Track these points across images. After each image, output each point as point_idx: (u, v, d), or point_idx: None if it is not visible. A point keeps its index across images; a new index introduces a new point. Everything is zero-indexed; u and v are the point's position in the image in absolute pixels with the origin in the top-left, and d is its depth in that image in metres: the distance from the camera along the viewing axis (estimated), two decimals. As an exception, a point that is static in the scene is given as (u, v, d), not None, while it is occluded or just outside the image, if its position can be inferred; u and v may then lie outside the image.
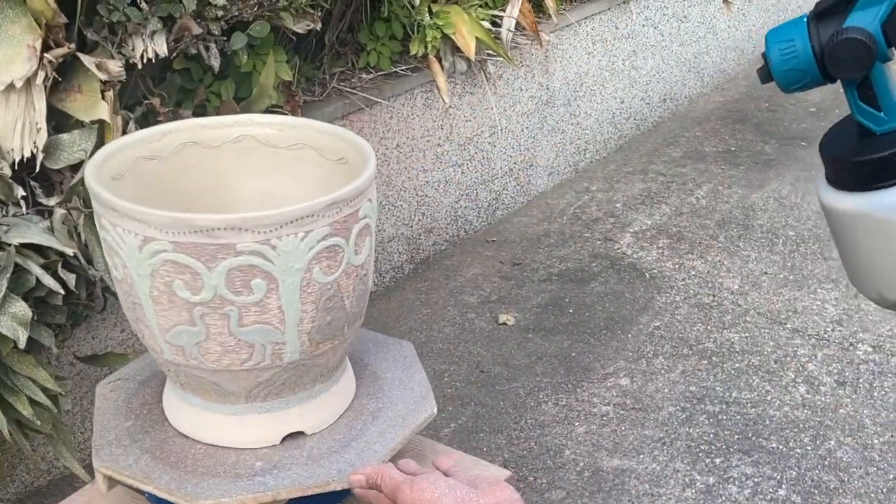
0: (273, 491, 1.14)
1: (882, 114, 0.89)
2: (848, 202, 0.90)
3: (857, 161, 0.88)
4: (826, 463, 2.28)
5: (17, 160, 1.77)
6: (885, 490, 2.20)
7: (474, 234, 3.37)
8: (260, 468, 1.19)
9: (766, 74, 0.92)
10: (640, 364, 2.66)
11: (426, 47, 2.90)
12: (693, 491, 2.22)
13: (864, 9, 0.86)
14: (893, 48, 0.87)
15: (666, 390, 2.55)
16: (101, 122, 1.87)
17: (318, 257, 1.11)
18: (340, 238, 1.13)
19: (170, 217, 1.05)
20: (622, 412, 2.48)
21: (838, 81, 0.91)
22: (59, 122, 1.89)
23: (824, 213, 0.94)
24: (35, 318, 1.75)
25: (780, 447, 2.34)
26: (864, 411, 2.45)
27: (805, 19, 0.90)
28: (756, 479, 2.24)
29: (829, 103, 4.43)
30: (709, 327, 2.81)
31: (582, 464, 2.31)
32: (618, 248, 3.28)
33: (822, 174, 0.94)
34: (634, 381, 2.59)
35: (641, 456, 2.33)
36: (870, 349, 2.68)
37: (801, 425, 2.40)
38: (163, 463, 1.19)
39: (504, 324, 2.87)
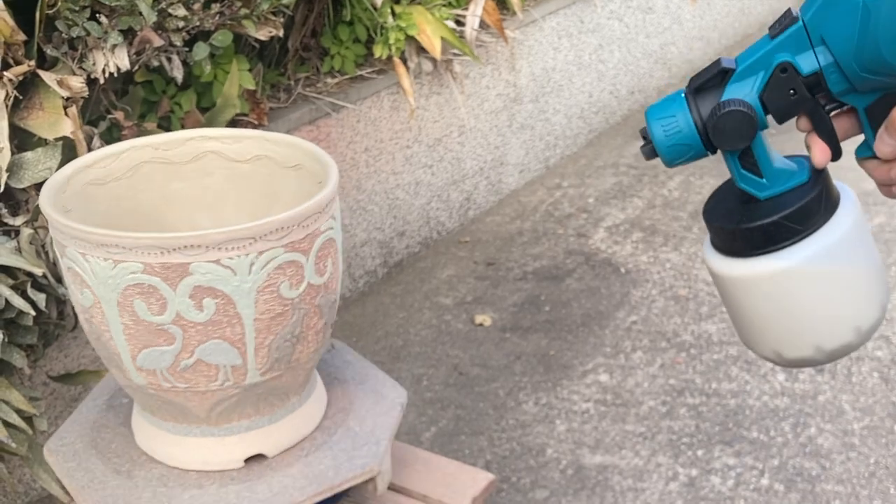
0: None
1: (764, 180, 0.91)
2: (735, 268, 0.92)
3: (742, 228, 0.90)
4: (807, 450, 2.29)
5: (-20, 181, 1.75)
6: (866, 475, 2.20)
7: (447, 236, 3.36)
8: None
9: (650, 151, 0.93)
10: (618, 359, 2.66)
11: (390, 49, 2.88)
12: (676, 484, 2.21)
13: (740, 80, 0.88)
14: (770, 116, 0.89)
15: (646, 384, 2.55)
16: (65, 139, 1.85)
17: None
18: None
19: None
20: (603, 408, 2.47)
21: (718, 152, 0.92)
22: (21, 140, 1.86)
23: (712, 277, 0.96)
24: (6, 339, 1.73)
25: (762, 437, 2.34)
26: (843, 397, 2.45)
27: (682, 94, 0.92)
28: (738, 470, 2.24)
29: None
30: (686, 319, 2.81)
31: (564, 462, 2.31)
32: (592, 244, 3.27)
33: (708, 239, 0.96)
34: (614, 377, 2.59)
35: (623, 451, 2.32)
36: (846, 334, 2.69)
37: (781, 414, 2.41)
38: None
39: (481, 324, 2.86)
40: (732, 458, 2.28)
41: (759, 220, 0.90)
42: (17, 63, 1.77)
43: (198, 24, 2.06)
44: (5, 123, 1.73)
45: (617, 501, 2.19)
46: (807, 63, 0.86)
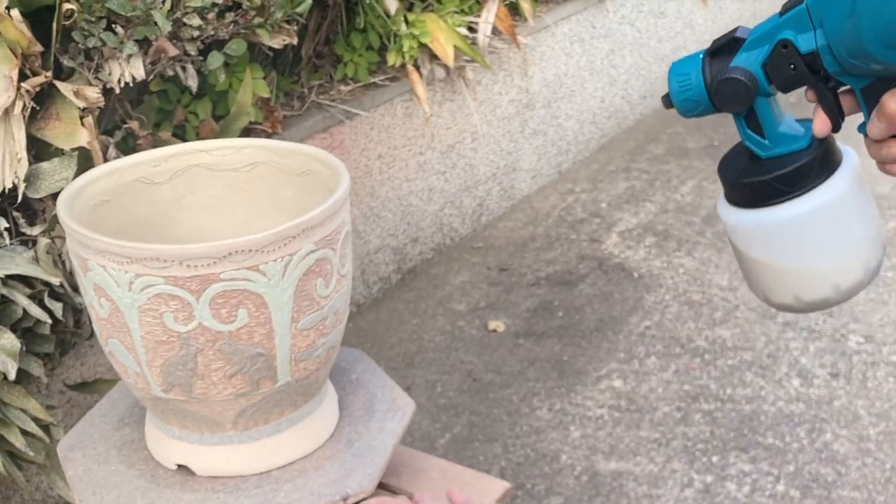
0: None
1: (766, 141, 1.00)
2: (737, 217, 1.02)
3: (743, 182, 1.01)
4: (823, 456, 2.28)
5: (-2, 192, 1.76)
6: (882, 481, 2.20)
7: (460, 242, 3.37)
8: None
9: (668, 101, 1.04)
10: (632, 365, 2.66)
11: (403, 57, 2.89)
12: (692, 490, 2.21)
13: (748, 50, 0.98)
14: (773, 85, 0.97)
15: (660, 390, 2.55)
16: (81, 149, 1.86)
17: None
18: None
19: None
20: (617, 414, 2.47)
21: None
22: (38, 150, 1.87)
23: (724, 225, 1.06)
24: (24, 348, 1.74)
25: (777, 442, 2.34)
26: (859, 402, 2.45)
27: (701, 55, 1.01)
28: (754, 476, 2.24)
29: (808, 93, 4.44)
30: (700, 325, 2.81)
31: (579, 468, 2.31)
32: (604, 249, 3.27)
33: (721, 191, 1.06)
34: (628, 383, 2.59)
35: (638, 457, 2.32)
36: (861, 339, 2.69)
37: (797, 419, 2.41)
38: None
39: (494, 330, 2.87)
40: (748, 465, 2.27)
41: (757, 176, 0.99)
42: (35, 74, 1.78)
43: (212, 33, 2.07)
44: (23, 134, 1.74)
45: (632, 508, 2.19)
46: (805, 42, 0.93)
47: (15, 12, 1.71)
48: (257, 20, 2.16)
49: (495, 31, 3.26)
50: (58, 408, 2.14)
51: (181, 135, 2.32)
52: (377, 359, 2.69)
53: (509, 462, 2.34)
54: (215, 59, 2.14)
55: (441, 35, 2.92)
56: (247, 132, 2.42)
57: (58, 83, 1.82)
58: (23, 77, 1.76)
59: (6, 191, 1.77)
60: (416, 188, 3.13)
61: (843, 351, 2.64)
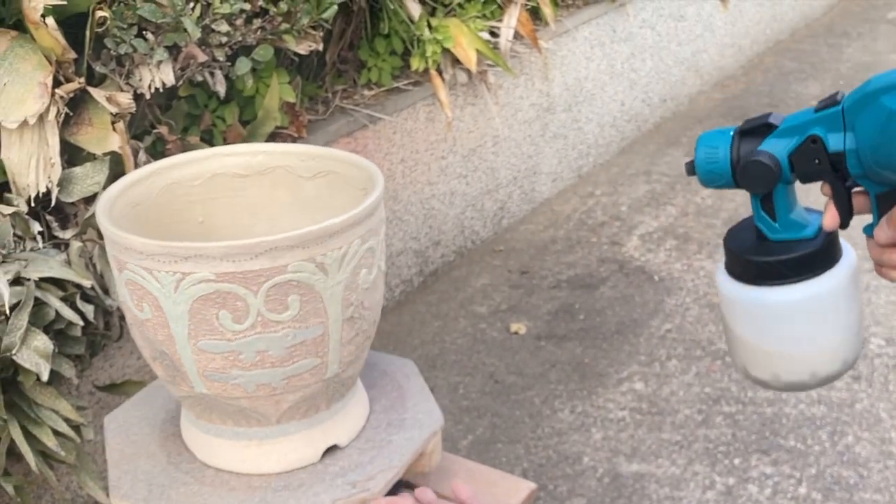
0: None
1: (777, 224, 1.04)
2: (735, 289, 1.06)
3: (747, 259, 1.04)
4: (844, 459, 2.30)
5: (32, 196, 1.79)
6: (904, 484, 2.21)
7: (481, 245, 3.39)
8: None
9: (691, 168, 1.07)
10: (653, 367, 2.68)
11: (426, 62, 2.91)
12: (713, 493, 2.23)
13: (779, 137, 1.01)
14: (794, 174, 1.01)
15: (681, 393, 2.57)
16: (113, 154, 1.89)
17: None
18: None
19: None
20: (638, 416, 2.49)
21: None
22: (71, 155, 1.91)
23: (718, 293, 1.11)
24: (56, 350, 1.77)
25: (799, 445, 2.35)
26: (881, 405, 2.46)
27: (732, 132, 1.04)
28: (776, 479, 2.25)
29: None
30: (720, 328, 2.82)
31: (601, 470, 2.33)
32: (625, 252, 3.29)
33: (723, 260, 1.09)
34: (649, 385, 2.61)
35: (660, 460, 2.34)
36: (883, 342, 2.69)
37: (818, 422, 2.42)
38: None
39: (516, 333, 2.89)
40: (769, 467, 2.29)
41: (762, 255, 1.04)
42: (68, 80, 1.82)
43: (240, 39, 2.10)
44: (56, 140, 1.77)
45: (654, 509, 2.21)
46: (835, 142, 0.98)
47: (50, 20, 1.74)
48: (284, 26, 2.18)
49: (517, 36, 3.28)
50: (87, 408, 2.17)
51: (209, 139, 2.35)
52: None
53: (531, 463, 2.36)
54: (243, 65, 2.16)
55: (463, 40, 2.95)
56: (273, 137, 2.45)
57: (90, 89, 1.85)
58: (56, 83, 1.79)
59: (40, 195, 1.81)
60: (438, 192, 3.15)
61: (864, 354, 2.65)
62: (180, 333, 1.11)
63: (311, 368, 1.16)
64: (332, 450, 1.25)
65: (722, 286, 1.08)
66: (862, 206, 1.01)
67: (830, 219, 1.01)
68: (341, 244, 1.11)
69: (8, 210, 1.75)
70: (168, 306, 1.09)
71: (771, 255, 1.03)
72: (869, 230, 1.01)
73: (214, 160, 1.35)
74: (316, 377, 1.17)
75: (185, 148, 2.13)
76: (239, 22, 2.07)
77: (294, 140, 2.50)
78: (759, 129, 1.03)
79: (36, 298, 1.73)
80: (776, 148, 1.01)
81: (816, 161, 0.99)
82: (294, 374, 1.15)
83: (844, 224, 1.02)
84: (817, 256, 1.03)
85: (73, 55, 1.81)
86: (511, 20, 3.20)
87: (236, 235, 1.11)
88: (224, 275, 1.06)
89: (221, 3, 2.01)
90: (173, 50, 1.99)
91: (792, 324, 1.04)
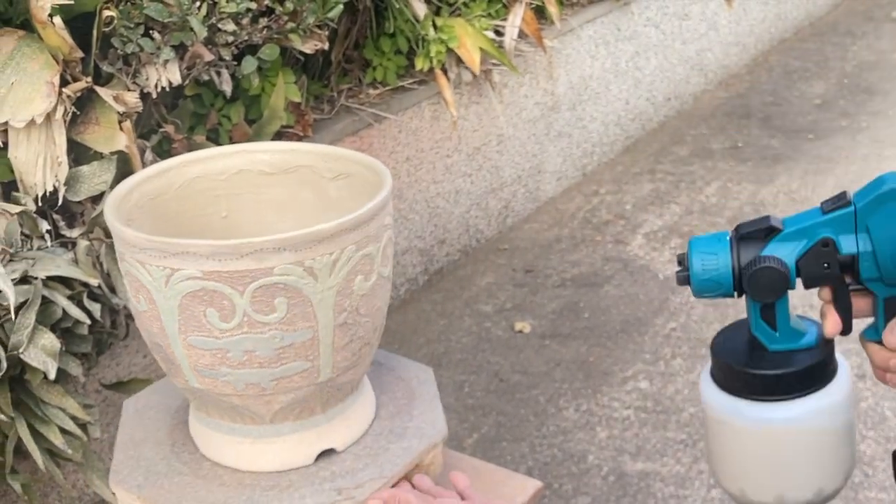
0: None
1: (777, 334, 0.98)
2: (724, 402, 0.99)
3: (745, 372, 0.97)
4: (849, 457, 2.30)
5: (39, 194, 1.80)
6: (908, 482, 2.21)
7: (486, 243, 3.39)
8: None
9: (684, 279, 1.00)
10: (658, 366, 2.68)
11: (431, 62, 2.92)
12: (718, 491, 2.23)
13: (784, 241, 0.95)
14: (800, 279, 0.96)
15: (686, 391, 2.57)
16: (119, 153, 1.90)
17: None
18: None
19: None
20: (643, 415, 2.50)
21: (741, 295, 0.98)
22: (78, 154, 1.91)
23: (703, 405, 1.03)
24: (63, 348, 1.78)
25: (803, 443, 2.35)
26: (885, 404, 2.46)
27: (727, 237, 0.98)
28: (780, 477, 2.26)
29: (833, 94, 4.45)
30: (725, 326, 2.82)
31: (606, 468, 2.33)
32: (630, 250, 3.29)
33: (708, 368, 1.02)
34: (654, 384, 2.61)
35: (665, 458, 2.35)
36: (886, 341, 2.69)
37: (822, 421, 2.42)
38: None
39: (520, 331, 2.89)
40: (774, 465, 2.29)
41: (760, 368, 0.97)
42: (75, 79, 1.82)
43: (246, 38, 2.11)
44: (64, 139, 1.78)
45: (659, 508, 2.21)
46: (847, 244, 0.93)
47: (57, 19, 1.75)
48: (290, 25, 2.19)
49: (521, 35, 3.28)
50: (94, 407, 2.17)
51: (215, 138, 2.36)
52: (405, 359, 2.71)
53: (536, 462, 2.37)
54: (249, 64, 2.17)
55: (468, 40, 2.95)
56: (278, 136, 2.46)
57: (98, 88, 1.86)
58: (64, 83, 1.80)
59: (47, 194, 1.81)
60: (443, 190, 3.16)
61: (868, 353, 2.65)
62: (171, 328, 1.12)
63: (300, 371, 1.16)
64: (329, 453, 1.25)
65: (712, 400, 1.00)
66: (860, 310, 0.97)
67: (833, 325, 0.96)
68: (332, 249, 1.10)
69: (15, 209, 1.76)
70: (160, 300, 1.10)
71: (773, 368, 0.97)
72: (871, 335, 0.97)
73: (241, 156, 1.35)
74: (307, 380, 1.17)
75: (191, 147, 2.14)
76: (245, 21, 2.08)
77: (300, 139, 2.51)
78: (758, 233, 0.97)
79: (43, 297, 1.74)
80: (783, 252, 0.95)
81: (826, 265, 0.94)
82: (283, 375, 1.15)
83: (847, 330, 0.97)
84: (824, 367, 0.98)
85: (80, 54, 1.82)
86: (516, 19, 3.20)
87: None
88: (211, 273, 1.06)
89: (228, 2, 2.01)
90: (180, 49, 2.00)
91: (799, 440, 0.98)
